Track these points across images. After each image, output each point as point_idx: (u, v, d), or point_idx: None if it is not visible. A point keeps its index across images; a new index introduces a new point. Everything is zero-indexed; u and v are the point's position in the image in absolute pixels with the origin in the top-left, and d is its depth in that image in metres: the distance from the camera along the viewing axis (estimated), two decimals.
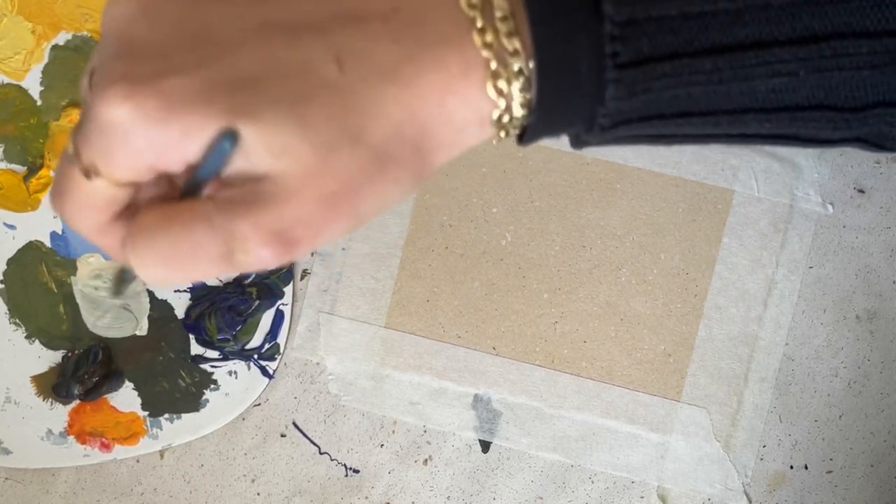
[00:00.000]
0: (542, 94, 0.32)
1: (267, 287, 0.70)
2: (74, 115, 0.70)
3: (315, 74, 0.31)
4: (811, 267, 0.70)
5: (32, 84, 0.70)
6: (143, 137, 0.30)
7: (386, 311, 0.71)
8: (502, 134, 0.34)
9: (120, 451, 0.70)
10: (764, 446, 0.69)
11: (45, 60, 0.70)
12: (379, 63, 0.31)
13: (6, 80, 0.70)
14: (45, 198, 0.70)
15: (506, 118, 0.33)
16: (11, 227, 0.70)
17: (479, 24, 0.31)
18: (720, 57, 0.33)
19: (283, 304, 0.70)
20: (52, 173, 0.70)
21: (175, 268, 0.32)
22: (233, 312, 0.70)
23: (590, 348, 0.70)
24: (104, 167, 0.31)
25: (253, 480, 0.71)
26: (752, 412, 0.69)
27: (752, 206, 0.70)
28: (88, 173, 0.32)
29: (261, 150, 0.30)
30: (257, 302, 0.70)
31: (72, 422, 0.70)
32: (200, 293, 0.70)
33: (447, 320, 0.70)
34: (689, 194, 0.70)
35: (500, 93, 0.32)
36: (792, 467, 0.70)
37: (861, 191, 0.69)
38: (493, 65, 0.31)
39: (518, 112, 0.33)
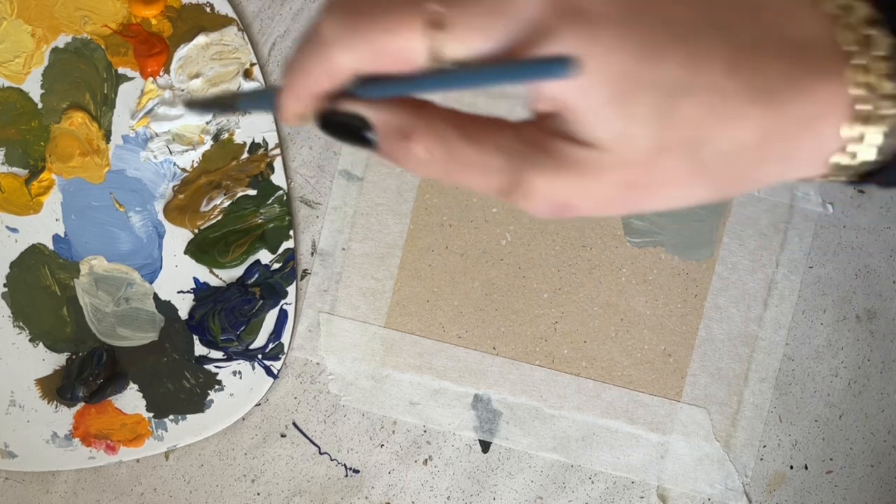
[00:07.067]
0: None
1: (271, 287, 0.70)
2: (75, 117, 0.70)
3: (704, 71, 0.28)
4: (811, 267, 0.69)
5: (33, 87, 0.70)
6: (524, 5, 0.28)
7: (386, 311, 0.71)
8: (835, 177, 0.30)
9: (125, 453, 0.71)
10: (764, 446, 0.69)
11: (46, 63, 0.70)
12: (762, 79, 0.28)
13: (7, 83, 0.70)
14: (46, 200, 0.71)
15: (846, 161, 0.29)
16: (14, 230, 0.71)
17: (859, 60, 0.28)
18: None
19: (286, 303, 0.70)
20: (53, 176, 0.70)
21: (454, 177, 0.31)
22: (236, 313, 0.70)
23: (590, 348, 0.70)
24: (461, 19, 0.28)
25: (253, 480, 0.71)
26: (752, 412, 0.69)
27: (752, 206, 0.69)
28: (436, 24, 0.28)
29: (609, 120, 0.28)
30: (261, 302, 0.70)
31: (77, 424, 0.71)
32: (204, 294, 0.70)
33: (447, 320, 0.70)
34: None
35: (856, 136, 0.29)
36: (792, 467, 0.69)
37: (861, 191, 0.69)
38: (863, 105, 0.28)
39: (866, 156, 0.29)
